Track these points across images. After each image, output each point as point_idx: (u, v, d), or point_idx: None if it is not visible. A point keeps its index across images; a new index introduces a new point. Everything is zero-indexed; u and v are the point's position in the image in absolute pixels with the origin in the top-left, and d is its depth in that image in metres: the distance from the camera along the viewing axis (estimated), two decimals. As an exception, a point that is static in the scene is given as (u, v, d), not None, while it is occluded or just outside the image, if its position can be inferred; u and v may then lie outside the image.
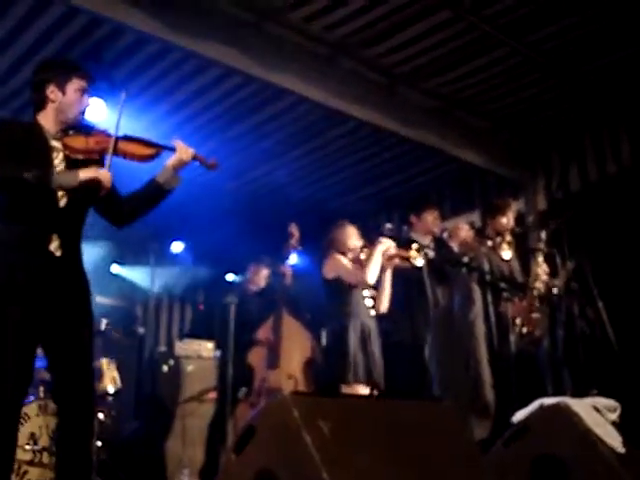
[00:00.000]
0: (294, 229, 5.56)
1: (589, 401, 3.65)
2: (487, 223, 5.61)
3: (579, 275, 5.19)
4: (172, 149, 3.32)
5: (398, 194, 7.97)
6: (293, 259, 5.85)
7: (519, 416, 3.56)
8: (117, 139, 3.17)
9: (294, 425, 2.48)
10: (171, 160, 3.31)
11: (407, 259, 4.76)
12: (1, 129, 3.14)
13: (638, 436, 3.59)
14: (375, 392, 4.67)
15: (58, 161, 3.14)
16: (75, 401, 3.10)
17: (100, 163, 3.18)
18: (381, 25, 5.21)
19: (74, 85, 3.20)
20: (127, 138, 3.24)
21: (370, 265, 4.71)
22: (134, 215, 3.42)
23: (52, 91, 3.17)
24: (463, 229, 5.21)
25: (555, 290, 5.16)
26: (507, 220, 5.46)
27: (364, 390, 4.61)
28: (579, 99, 6.28)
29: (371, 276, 4.71)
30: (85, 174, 3.05)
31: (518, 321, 5.09)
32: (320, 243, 5.08)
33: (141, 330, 7.34)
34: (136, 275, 8.78)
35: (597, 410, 3.53)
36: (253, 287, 6.25)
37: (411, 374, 5.06)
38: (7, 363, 2.95)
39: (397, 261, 4.81)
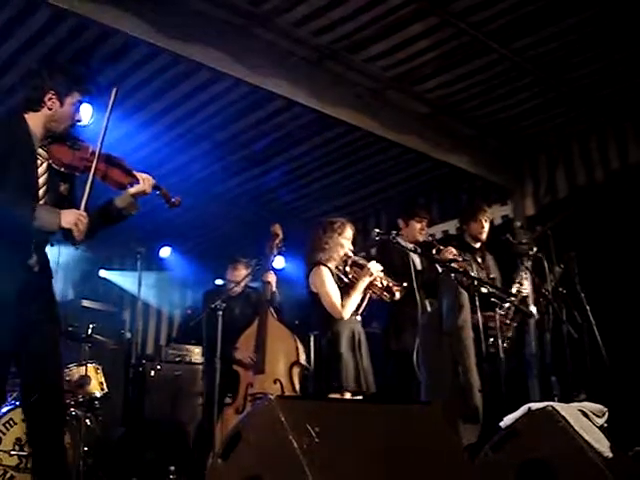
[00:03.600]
0: (278, 230, 5.49)
1: (577, 405, 3.66)
2: (463, 229, 5.64)
3: (566, 280, 5.20)
4: (137, 181, 3.31)
5: (387, 198, 7.98)
6: (279, 263, 5.76)
7: (507, 421, 3.56)
8: (100, 161, 3.16)
9: (281, 429, 2.47)
10: (133, 188, 3.30)
11: (390, 291, 4.73)
12: None
13: (626, 440, 3.60)
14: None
15: (42, 170, 3.14)
16: (46, 413, 3.11)
17: (74, 178, 3.24)
18: (369, 30, 5.21)
19: (72, 99, 3.20)
20: (110, 161, 3.23)
21: (351, 302, 4.65)
22: (89, 234, 3.32)
23: (50, 99, 3.16)
24: (451, 253, 5.19)
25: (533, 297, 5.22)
26: (480, 225, 5.49)
27: (356, 397, 4.59)
28: (566, 105, 6.31)
29: (348, 311, 4.66)
30: (66, 223, 3.04)
31: (491, 328, 5.12)
32: (308, 247, 5.03)
33: (128, 335, 7.31)
34: (124, 280, 8.75)
35: (585, 414, 3.54)
36: (234, 287, 6.06)
37: (397, 380, 5.06)
38: None
39: (377, 291, 4.77)
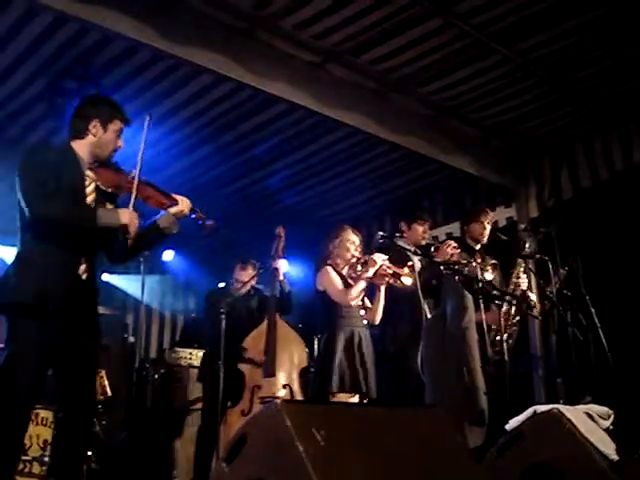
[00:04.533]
0: (281, 232, 5.49)
1: (582, 408, 3.64)
2: (464, 231, 5.64)
3: (571, 282, 5.19)
4: (176, 202, 3.58)
5: (390, 201, 7.97)
6: (283, 266, 5.75)
7: (513, 423, 3.54)
8: (140, 184, 3.40)
9: (287, 434, 2.45)
10: (173, 208, 3.56)
11: (398, 277, 4.73)
12: (36, 154, 3.35)
13: (632, 443, 3.58)
14: (364, 401, 4.64)
15: (90, 190, 3.37)
16: (80, 414, 3.33)
17: (118, 199, 3.49)
18: (372, 32, 5.20)
19: (115, 126, 3.46)
20: (149, 184, 3.48)
21: (356, 286, 4.68)
22: (132, 253, 3.62)
23: (95, 126, 3.42)
24: (450, 246, 5.17)
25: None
26: (482, 226, 5.48)
27: (350, 399, 4.56)
28: (570, 106, 6.29)
29: (354, 298, 4.69)
30: (124, 219, 3.30)
31: (493, 328, 5.12)
32: (314, 249, 5.04)
33: (132, 339, 7.30)
34: (127, 283, 8.74)
35: (590, 417, 3.53)
36: (240, 287, 6.04)
37: (394, 383, 5.05)
38: (26, 377, 3.15)
39: (388, 279, 4.77)
